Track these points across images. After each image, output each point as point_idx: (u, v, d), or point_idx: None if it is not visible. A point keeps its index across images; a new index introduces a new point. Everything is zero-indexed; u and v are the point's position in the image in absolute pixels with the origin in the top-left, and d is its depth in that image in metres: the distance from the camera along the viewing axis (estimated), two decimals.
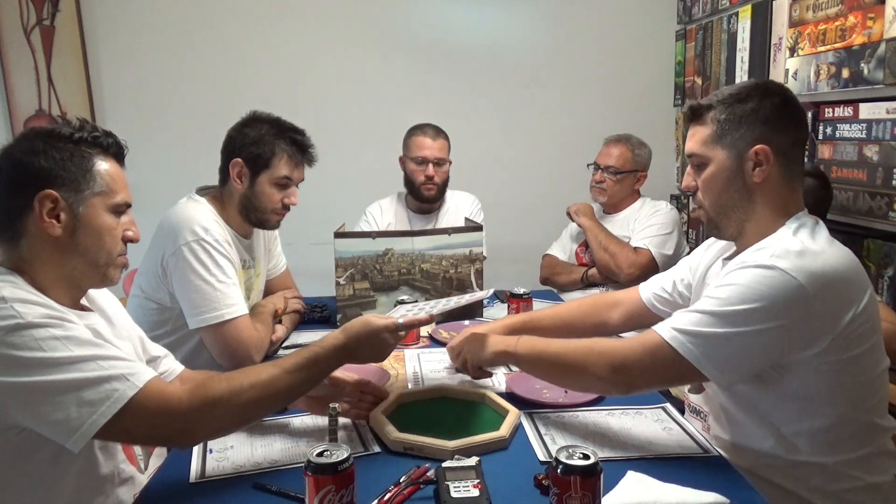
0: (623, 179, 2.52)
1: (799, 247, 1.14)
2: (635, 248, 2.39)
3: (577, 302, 1.72)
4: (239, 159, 1.74)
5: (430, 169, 2.46)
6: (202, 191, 1.82)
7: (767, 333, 1.11)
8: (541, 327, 1.57)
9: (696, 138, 1.27)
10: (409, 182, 2.53)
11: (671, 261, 2.41)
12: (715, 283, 1.20)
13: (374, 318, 1.26)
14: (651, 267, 2.37)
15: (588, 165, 2.60)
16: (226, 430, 1.15)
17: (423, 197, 2.50)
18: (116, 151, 1.17)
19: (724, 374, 1.15)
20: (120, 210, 1.16)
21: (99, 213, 1.13)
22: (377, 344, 1.25)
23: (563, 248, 2.70)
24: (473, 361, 1.42)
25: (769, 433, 1.21)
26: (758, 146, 1.20)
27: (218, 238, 1.68)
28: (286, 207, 1.81)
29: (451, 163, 2.53)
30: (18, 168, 1.08)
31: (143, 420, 1.01)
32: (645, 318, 1.57)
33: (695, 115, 1.28)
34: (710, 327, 1.13)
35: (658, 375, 1.21)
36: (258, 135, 1.75)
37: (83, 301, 1.20)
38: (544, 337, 1.39)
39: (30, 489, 1.06)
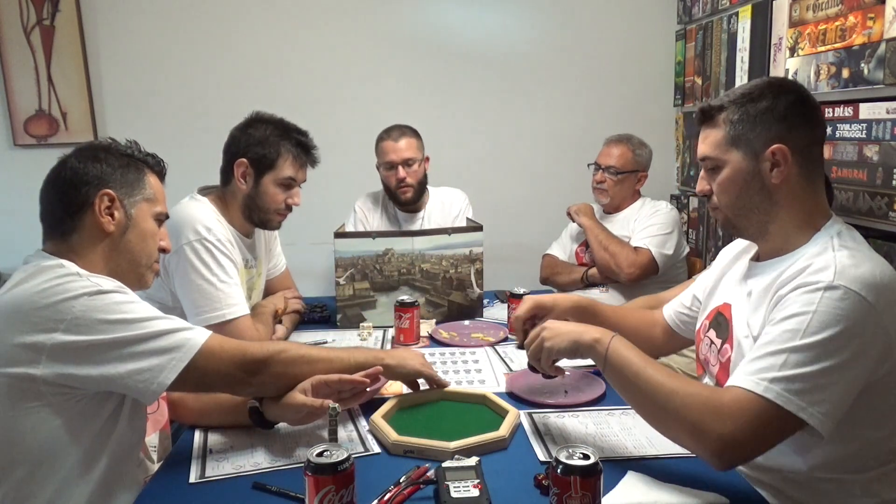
0: (624, 179, 2.52)
1: (852, 260, 1.07)
2: (635, 248, 2.39)
3: (629, 311, 1.63)
4: (244, 160, 1.75)
5: (401, 171, 2.43)
6: (204, 191, 1.82)
7: (855, 360, 1.02)
8: (603, 318, 1.51)
9: (709, 141, 1.22)
10: (387, 189, 2.52)
11: (671, 260, 2.42)
12: (777, 313, 1.08)
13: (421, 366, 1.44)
14: (651, 267, 2.37)
15: (589, 165, 2.60)
16: (286, 377, 1.25)
17: (401, 201, 2.49)
18: (159, 171, 1.33)
19: (829, 416, 1.01)
20: (160, 219, 1.31)
21: (146, 217, 1.27)
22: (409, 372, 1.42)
23: (563, 248, 2.70)
24: (552, 350, 1.25)
25: (798, 451, 1.15)
26: (774, 146, 1.15)
27: (220, 237, 1.68)
28: (289, 208, 1.82)
29: (427, 159, 2.50)
30: (82, 170, 1.21)
31: (217, 363, 1.17)
32: (678, 339, 1.53)
33: (706, 117, 1.23)
34: (799, 367, 1.01)
35: (765, 440, 1.04)
36: (263, 135, 1.75)
37: None
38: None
39: (73, 461, 1.13)
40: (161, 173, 1.34)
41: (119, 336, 1.09)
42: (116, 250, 1.23)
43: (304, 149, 1.79)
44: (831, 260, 1.08)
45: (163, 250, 1.32)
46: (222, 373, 1.18)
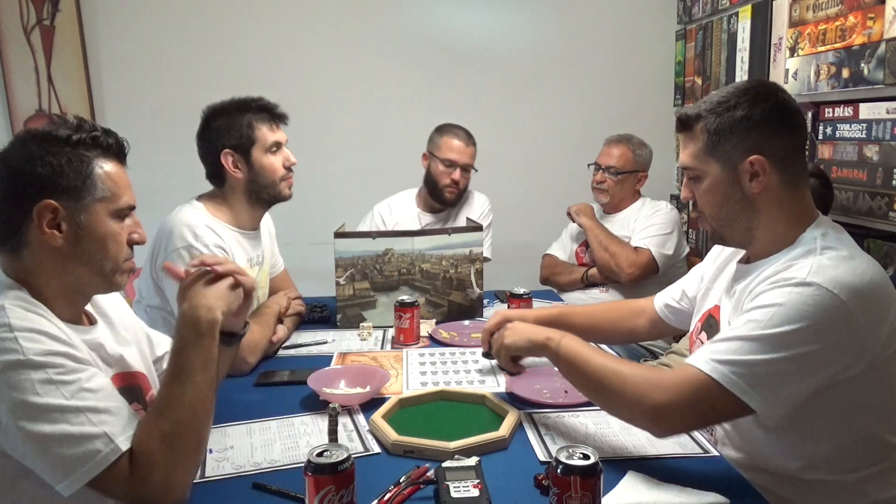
0: (624, 180, 2.52)
1: (832, 260, 1.08)
2: (635, 248, 2.39)
3: (607, 306, 1.70)
4: (227, 150, 1.75)
5: (457, 173, 2.47)
6: (202, 197, 1.82)
7: (815, 356, 1.04)
8: (573, 324, 1.56)
9: (688, 151, 1.22)
10: (431, 180, 2.52)
11: (671, 260, 2.42)
12: (748, 304, 1.12)
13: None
14: (651, 267, 2.37)
15: (589, 165, 2.60)
16: (188, 457, 1.03)
17: (444, 199, 2.51)
18: (117, 150, 1.11)
19: (774, 405, 1.04)
20: (124, 214, 1.11)
21: (102, 220, 1.08)
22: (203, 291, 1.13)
23: (563, 248, 2.70)
24: (510, 347, 1.38)
25: (786, 451, 1.16)
26: (752, 157, 1.14)
27: (208, 244, 1.67)
28: (289, 170, 1.83)
29: (476, 170, 2.54)
30: (15, 177, 1.04)
31: (118, 485, 0.97)
32: (664, 327, 1.56)
33: (684, 126, 1.22)
34: (752, 354, 1.04)
35: (702, 415, 1.10)
36: (228, 122, 1.76)
37: (88, 307, 1.18)
38: (575, 334, 1.38)
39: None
40: (120, 154, 1.12)
41: (23, 426, 0.94)
42: (72, 263, 1.06)
43: (268, 111, 1.80)
44: (810, 261, 1.09)
45: (136, 243, 1.14)
46: (121, 496, 0.99)
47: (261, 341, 1.70)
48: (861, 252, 1.15)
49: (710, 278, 1.40)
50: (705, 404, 1.07)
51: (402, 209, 2.60)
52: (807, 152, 1.97)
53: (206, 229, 1.69)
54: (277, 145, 1.80)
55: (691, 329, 1.43)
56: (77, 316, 1.13)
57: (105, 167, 1.08)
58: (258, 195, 1.80)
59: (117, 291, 1.18)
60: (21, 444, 0.95)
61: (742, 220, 1.20)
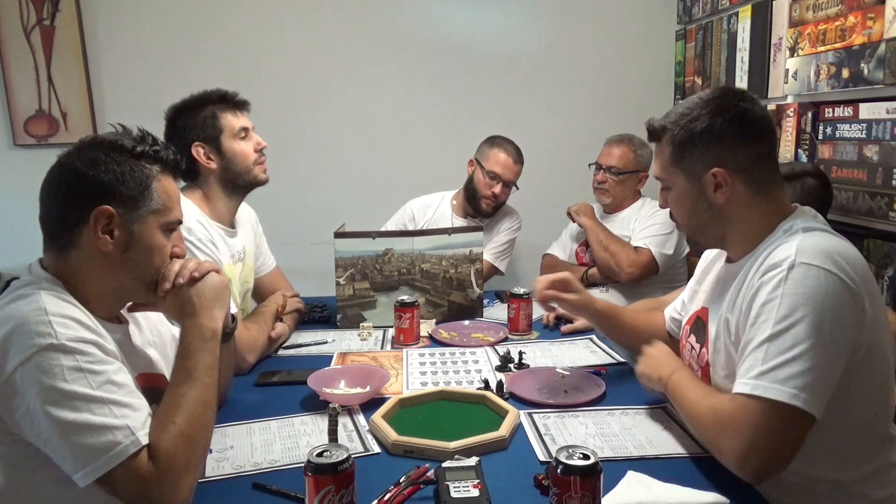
0: (625, 180, 2.52)
1: (815, 238, 1.09)
2: (636, 248, 2.39)
3: (646, 319, 1.63)
4: (196, 143, 1.75)
5: (499, 188, 2.49)
6: (185, 192, 1.81)
7: (834, 333, 1.03)
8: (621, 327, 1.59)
9: (658, 162, 1.25)
10: (471, 187, 2.54)
11: (671, 260, 2.42)
12: (753, 309, 1.09)
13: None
14: (651, 266, 2.37)
15: (590, 165, 2.60)
16: (198, 458, 1.06)
17: (480, 209, 2.53)
18: (174, 166, 1.17)
19: (819, 397, 1.01)
20: (171, 228, 1.16)
21: (152, 232, 1.12)
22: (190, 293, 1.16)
23: (563, 248, 2.70)
24: (642, 377, 1.33)
25: None
26: (714, 169, 1.15)
27: (201, 238, 1.68)
28: (261, 153, 1.84)
29: (518, 188, 2.56)
30: (78, 179, 1.07)
31: (132, 481, 0.97)
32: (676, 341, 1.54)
33: (652, 136, 1.24)
34: (781, 354, 1.02)
35: (776, 442, 1.03)
36: (192, 117, 1.76)
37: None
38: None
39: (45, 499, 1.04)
40: (176, 169, 1.18)
41: (48, 411, 0.95)
42: (117, 269, 1.10)
43: (228, 101, 1.80)
44: (794, 241, 1.10)
45: (177, 256, 1.18)
46: (131, 494, 0.98)
47: (259, 339, 1.71)
48: (842, 237, 1.16)
49: (698, 280, 1.41)
50: (772, 429, 1.02)
51: (436, 210, 2.62)
52: (806, 151, 1.98)
53: (197, 224, 1.70)
54: (245, 130, 1.80)
55: (681, 332, 1.42)
56: (110, 316, 1.15)
57: (162, 181, 1.14)
58: (234, 183, 1.80)
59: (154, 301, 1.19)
60: (44, 429, 0.96)
61: (713, 227, 1.22)
